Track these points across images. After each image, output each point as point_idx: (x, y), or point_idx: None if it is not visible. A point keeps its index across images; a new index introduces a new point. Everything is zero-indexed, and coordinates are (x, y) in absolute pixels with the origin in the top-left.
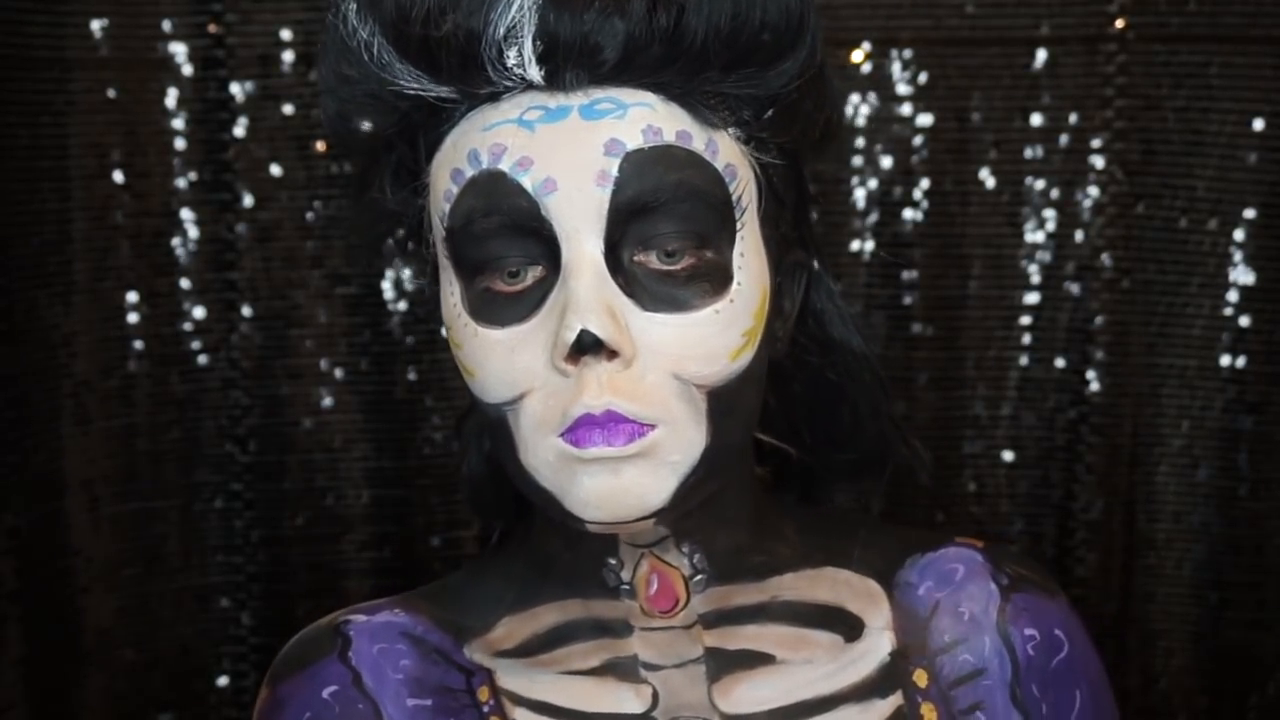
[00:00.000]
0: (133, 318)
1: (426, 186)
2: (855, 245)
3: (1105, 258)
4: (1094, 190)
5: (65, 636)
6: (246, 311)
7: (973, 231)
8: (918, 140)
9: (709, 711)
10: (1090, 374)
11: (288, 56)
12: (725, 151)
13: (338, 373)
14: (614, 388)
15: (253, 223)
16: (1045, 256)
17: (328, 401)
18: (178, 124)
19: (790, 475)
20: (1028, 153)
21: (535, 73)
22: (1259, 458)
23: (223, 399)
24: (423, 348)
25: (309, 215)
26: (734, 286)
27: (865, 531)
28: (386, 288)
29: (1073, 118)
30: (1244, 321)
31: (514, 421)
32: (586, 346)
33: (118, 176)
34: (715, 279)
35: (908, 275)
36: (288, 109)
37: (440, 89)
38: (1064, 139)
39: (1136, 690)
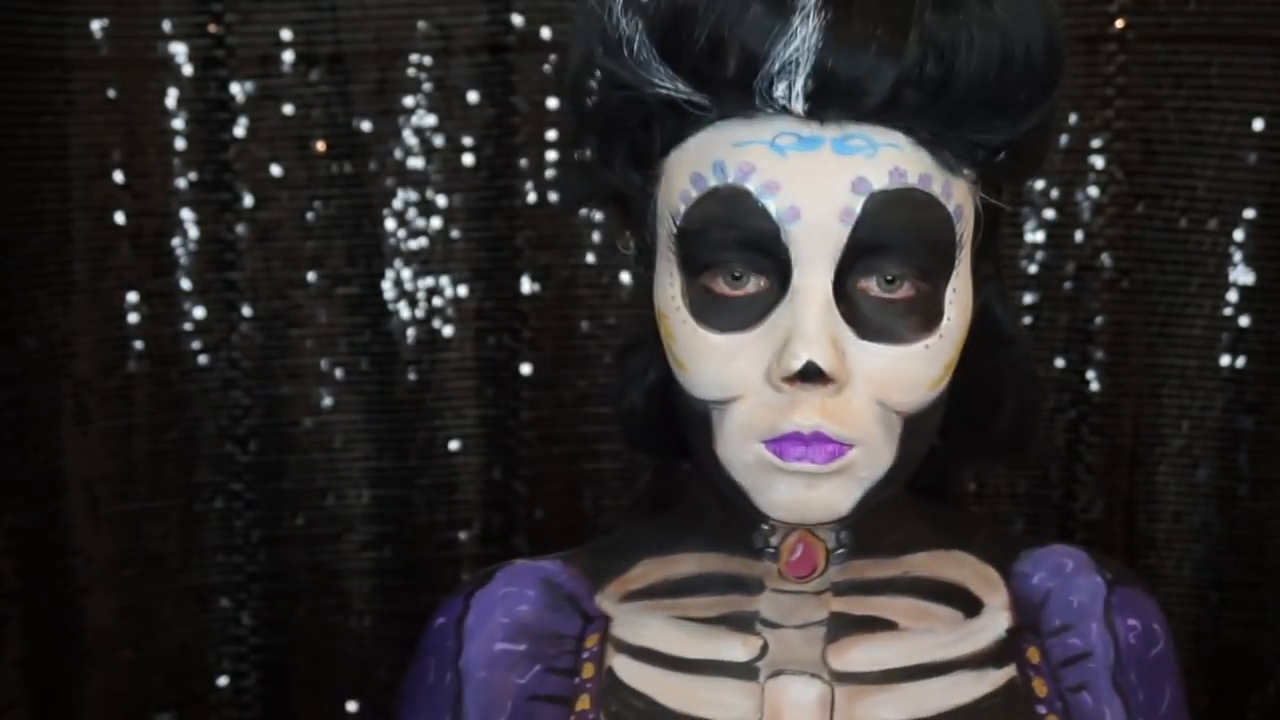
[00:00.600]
0: (133, 318)
1: (657, 177)
2: None
3: (1105, 258)
4: (1094, 190)
5: (65, 636)
6: (246, 311)
7: None
8: None
9: (819, 668)
10: (1090, 374)
11: (288, 57)
12: (958, 194)
13: (338, 373)
14: (824, 410)
15: (253, 223)
16: (1045, 256)
17: (328, 401)
18: (178, 124)
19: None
20: None
21: (800, 105)
22: (1259, 458)
23: (223, 399)
24: (423, 348)
25: (309, 215)
26: (944, 323)
27: (987, 527)
28: (387, 287)
29: (1072, 118)
30: (1244, 321)
31: (719, 418)
32: (810, 376)
33: (118, 176)
34: (929, 313)
35: None
36: (288, 109)
37: (696, 96)
38: (1064, 139)
39: None
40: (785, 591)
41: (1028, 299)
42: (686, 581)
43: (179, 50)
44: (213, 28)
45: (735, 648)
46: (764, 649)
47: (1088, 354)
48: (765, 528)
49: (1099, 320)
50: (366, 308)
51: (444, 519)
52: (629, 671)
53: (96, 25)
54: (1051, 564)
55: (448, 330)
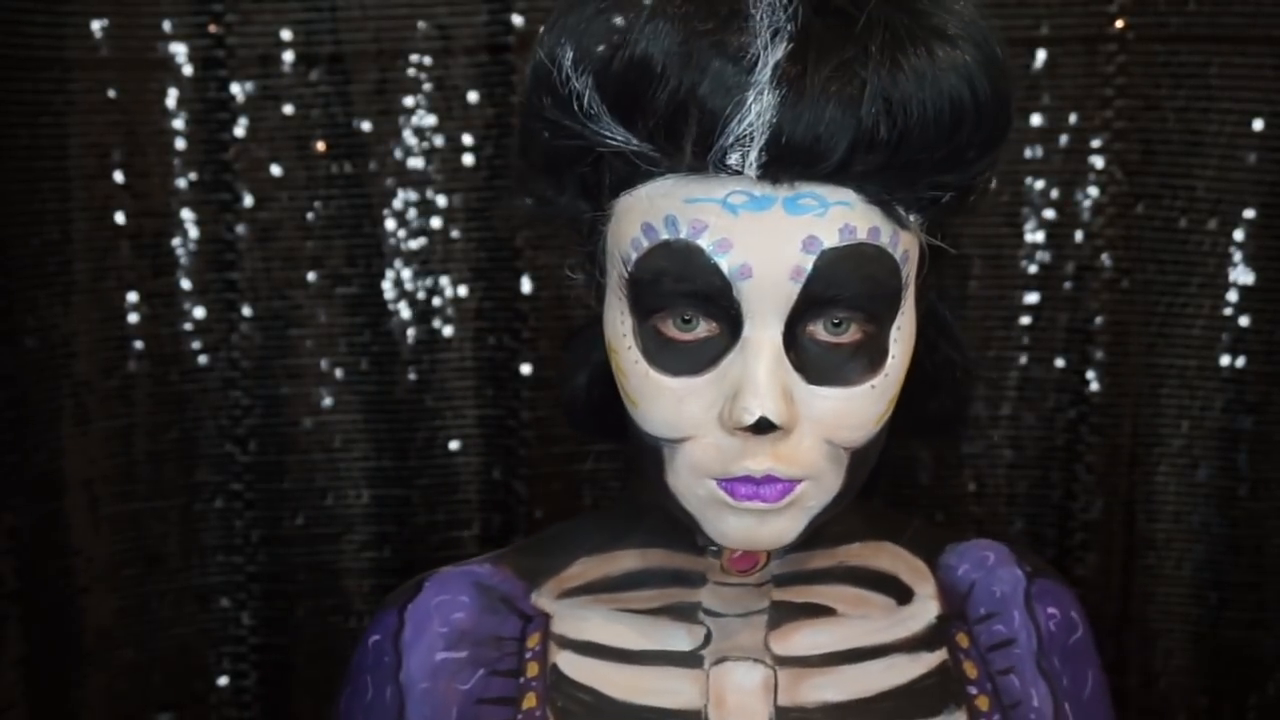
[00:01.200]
0: (133, 318)
1: (606, 215)
2: None
3: (1105, 258)
4: (1094, 190)
5: (65, 636)
6: (246, 311)
7: (972, 231)
8: None
9: (762, 654)
10: (1090, 374)
11: (288, 57)
12: (904, 241)
13: (338, 373)
14: (775, 455)
15: (253, 223)
16: (1045, 256)
17: (328, 401)
18: (178, 124)
19: None
20: (1027, 153)
21: (754, 171)
22: (1259, 458)
23: (223, 399)
24: (423, 348)
25: (309, 215)
26: (889, 361)
27: (915, 523)
28: (387, 287)
29: (1072, 118)
30: (1244, 321)
31: (670, 454)
32: (762, 429)
33: (118, 176)
34: (874, 354)
35: None
36: (288, 109)
37: (646, 149)
38: (1064, 139)
39: (1136, 690)
40: (727, 584)
41: (1028, 299)
42: (627, 576)
43: (179, 50)
44: (213, 28)
45: (679, 637)
46: (708, 637)
47: (1087, 354)
48: None
49: (1098, 320)
50: (366, 308)
51: (444, 519)
52: (573, 666)
53: (96, 25)
54: (975, 557)
55: (448, 330)
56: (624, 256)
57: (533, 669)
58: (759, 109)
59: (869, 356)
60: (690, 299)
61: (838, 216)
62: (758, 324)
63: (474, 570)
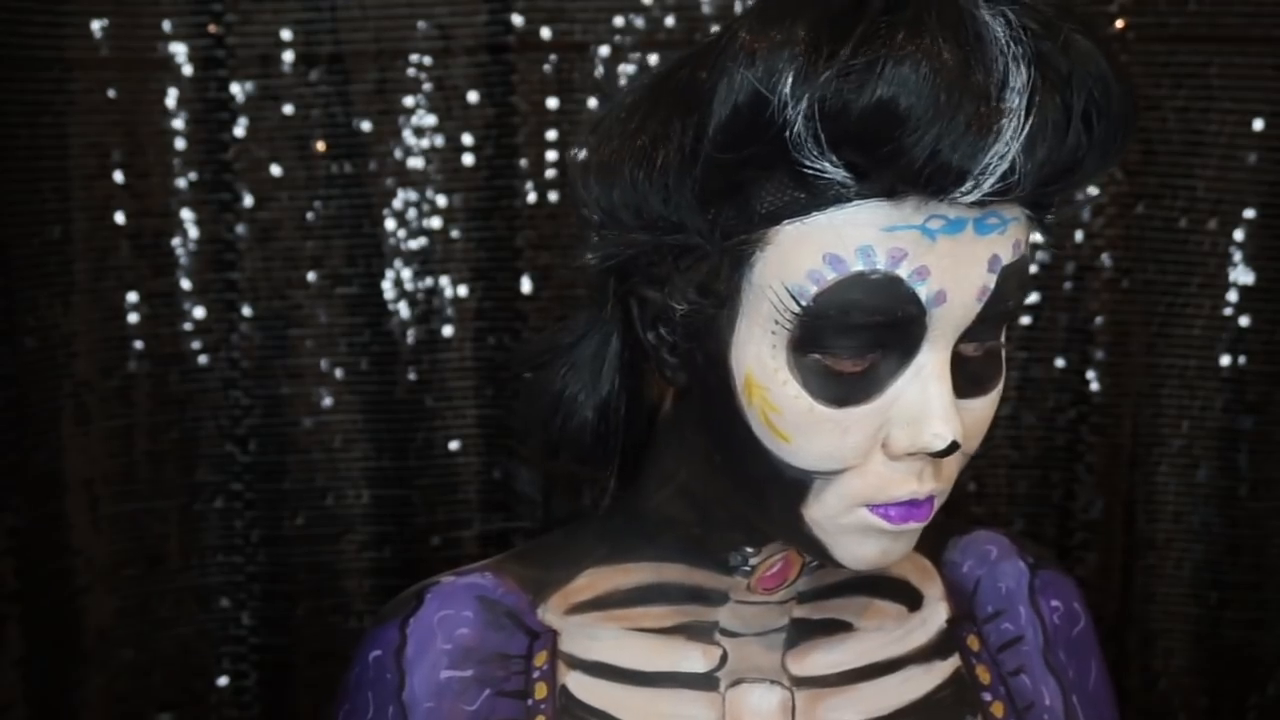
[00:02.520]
0: (133, 318)
1: (759, 240)
2: None
3: (1105, 258)
4: (1093, 190)
5: (65, 636)
6: (246, 311)
7: None
8: None
9: (779, 675)
10: (1090, 374)
11: (288, 57)
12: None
13: (338, 373)
14: (938, 475)
15: (253, 223)
16: (1045, 256)
17: (328, 401)
18: (178, 124)
19: None
20: None
21: (975, 196)
22: (1259, 458)
23: (223, 399)
24: (423, 348)
25: (309, 215)
26: (1003, 367)
27: None
28: (387, 287)
29: None
30: (1244, 321)
31: (820, 486)
32: (949, 453)
33: (118, 176)
34: (998, 363)
35: None
36: (288, 109)
37: (843, 177)
38: None
39: (1136, 690)
40: (749, 603)
41: (1028, 299)
42: (639, 591)
43: (179, 50)
44: (213, 28)
45: (694, 658)
46: (723, 658)
47: (1087, 354)
48: (749, 550)
49: (1099, 320)
50: (366, 308)
51: (444, 519)
52: (584, 689)
53: (97, 25)
54: (978, 551)
55: (448, 330)
56: (795, 290)
57: (541, 690)
58: (1001, 147)
59: (995, 366)
60: (878, 329)
61: (1013, 233)
62: (934, 347)
63: (476, 582)
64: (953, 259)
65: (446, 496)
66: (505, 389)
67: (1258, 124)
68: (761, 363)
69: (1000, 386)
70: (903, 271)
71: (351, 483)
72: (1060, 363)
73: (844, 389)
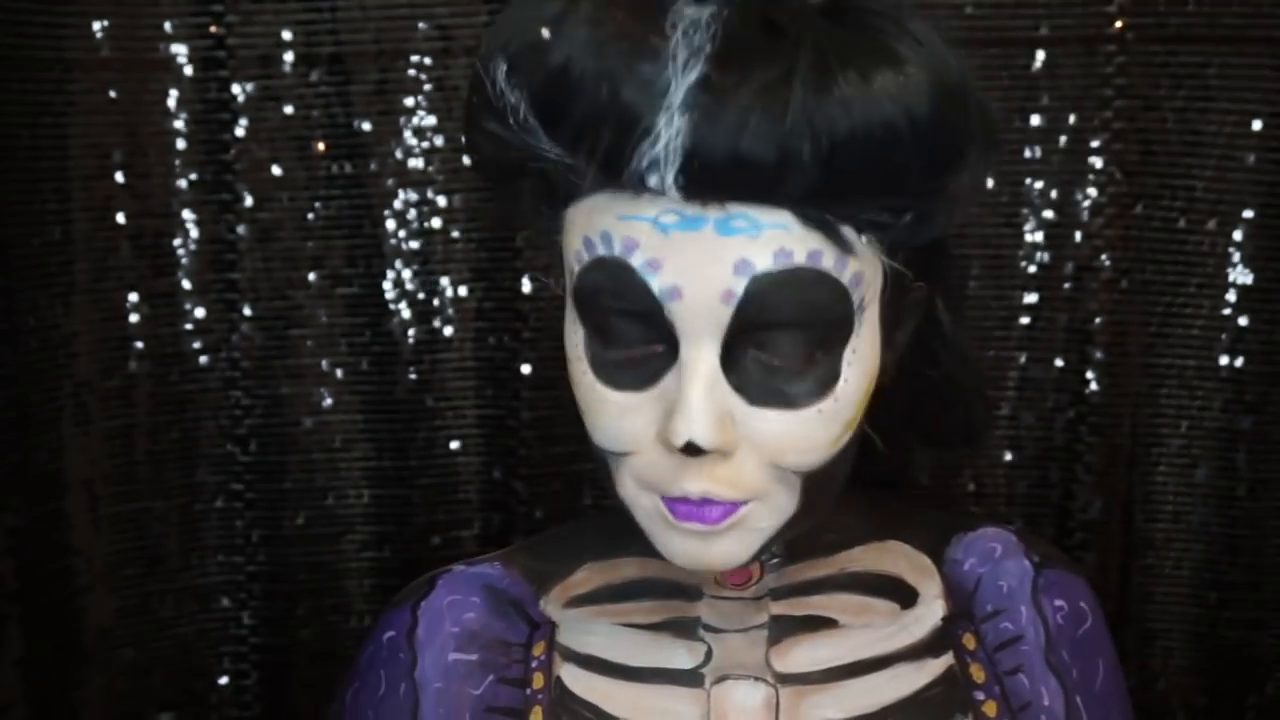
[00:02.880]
0: (133, 318)
1: (560, 223)
2: None
3: (1104, 258)
4: (1092, 191)
5: (65, 636)
6: (247, 311)
7: (972, 232)
8: None
9: (763, 671)
10: (1089, 374)
11: (288, 57)
12: (854, 264)
13: (338, 373)
14: (712, 477)
15: (253, 223)
16: (1044, 257)
17: (328, 401)
18: (178, 124)
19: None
20: (1026, 153)
21: (674, 190)
22: (1258, 458)
23: (223, 399)
24: (423, 348)
25: (309, 215)
26: (840, 385)
27: (919, 513)
28: (387, 287)
29: (1071, 118)
30: (1243, 321)
31: (616, 466)
32: (691, 452)
33: (118, 177)
34: (823, 378)
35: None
36: (288, 109)
37: (578, 164)
38: (1063, 139)
39: (1135, 690)
40: (723, 598)
41: (1027, 299)
42: (627, 586)
43: (180, 51)
44: (213, 29)
45: (680, 654)
46: (708, 655)
47: (1086, 354)
48: None
49: (1098, 320)
50: (366, 308)
51: (444, 519)
52: (577, 681)
53: (97, 26)
54: (982, 549)
55: (448, 330)
56: (570, 268)
57: (538, 680)
58: (671, 131)
59: (817, 380)
60: (625, 316)
61: (772, 239)
62: (692, 345)
63: (484, 571)
64: (689, 256)
65: (447, 496)
66: (505, 389)
67: (1256, 124)
68: (570, 338)
69: (824, 408)
70: (635, 261)
71: (352, 482)
72: (1059, 363)
73: (623, 374)
